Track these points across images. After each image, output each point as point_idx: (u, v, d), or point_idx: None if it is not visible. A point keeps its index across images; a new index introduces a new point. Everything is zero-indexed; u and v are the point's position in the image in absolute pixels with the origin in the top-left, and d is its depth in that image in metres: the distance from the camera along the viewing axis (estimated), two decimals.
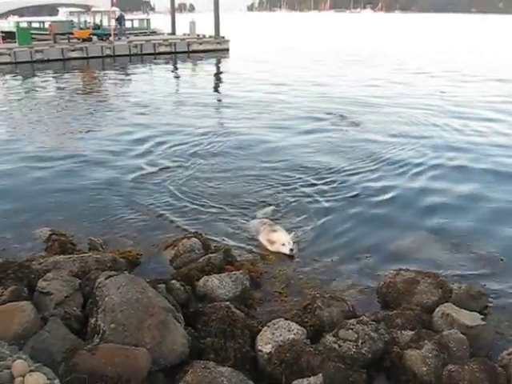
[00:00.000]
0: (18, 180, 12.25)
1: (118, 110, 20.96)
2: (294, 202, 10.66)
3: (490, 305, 6.81)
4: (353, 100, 22.45)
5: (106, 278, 5.72)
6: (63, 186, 11.72)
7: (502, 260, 8.19)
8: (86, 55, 40.69)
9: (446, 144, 15.26)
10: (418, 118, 18.53)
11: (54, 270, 6.95)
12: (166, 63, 41.28)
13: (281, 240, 8.32)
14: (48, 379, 4.13)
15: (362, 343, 5.50)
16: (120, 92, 26.35)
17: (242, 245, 8.64)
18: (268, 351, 5.38)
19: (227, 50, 47.73)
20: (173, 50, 45.20)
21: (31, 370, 4.19)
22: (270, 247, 8.40)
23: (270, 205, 10.41)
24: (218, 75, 34.76)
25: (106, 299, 5.39)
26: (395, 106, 21.05)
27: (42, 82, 30.30)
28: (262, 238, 8.62)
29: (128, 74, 34.69)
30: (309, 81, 28.62)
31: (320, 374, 4.92)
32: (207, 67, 39.08)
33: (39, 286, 6.28)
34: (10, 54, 37.72)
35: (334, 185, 11.69)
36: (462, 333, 5.66)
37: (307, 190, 11.35)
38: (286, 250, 8.20)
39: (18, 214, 10.00)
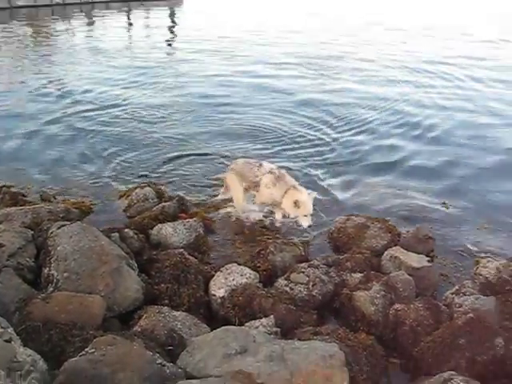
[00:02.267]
0: None
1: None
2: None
3: (436, 248, 7.05)
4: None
5: (59, 228, 5.70)
6: (12, 138, 11.38)
7: (446, 206, 8.46)
8: (34, 3, 38.86)
9: None
10: None
11: (5, 221, 6.87)
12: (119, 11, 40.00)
13: (307, 208, 6.98)
14: (1, 328, 4.13)
15: (312, 285, 5.68)
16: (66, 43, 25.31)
17: (196, 193, 8.63)
18: (221, 295, 5.50)
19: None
20: None
21: None
22: (288, 207, 7.05)
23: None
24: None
25: (59, 248, 5.39)
26: None
27: None
28: (279, 192, 7.09)
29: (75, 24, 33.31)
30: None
31: (271, 316, 5.06)
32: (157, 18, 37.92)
33: None
34: None
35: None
36: (408, 274, 5.88)
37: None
38: (305, 223, 7.05)
39: None
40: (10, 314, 4.75)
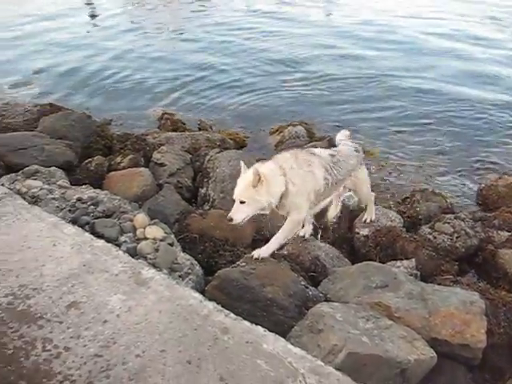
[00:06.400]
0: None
1: None
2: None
3: None
4: None
5: (218, 153, 6.09)
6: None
7: None
8: None
9: None
10: None
11: (167, 144, 7.44)
12: None
13: None
14: (165, 233, 4.60)
15: (456, 237, 5.65)
16: None
17: None
18: (365, 234, 5.65)
19: None
20: None
21: (150, 224, 4.67)
22: None
23: None
24: None
25: (217, 170, 5.80)
26: None
27: None
28: None
29: None
30: None
31: (413, 259, 5.14)
32: None
33: (154, 157, 6.79)
34: None
35: None
36: None
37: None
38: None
39: (134, 94, 10.62)
40: (170, 224, 5.24)
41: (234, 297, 3.92)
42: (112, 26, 16.29)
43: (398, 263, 5.07)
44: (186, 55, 13.19)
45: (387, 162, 8.00)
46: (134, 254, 4.12)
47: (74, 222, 4.49)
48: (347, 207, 6.03)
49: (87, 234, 4.04)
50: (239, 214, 4.13)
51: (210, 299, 3.42)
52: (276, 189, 4.20)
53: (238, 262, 4.36)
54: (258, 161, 4.58)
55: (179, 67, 12.34)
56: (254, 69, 12.05)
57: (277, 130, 8.48)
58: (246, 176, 4.16)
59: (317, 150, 4.76)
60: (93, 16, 18.40)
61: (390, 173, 7.69)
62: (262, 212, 4.33)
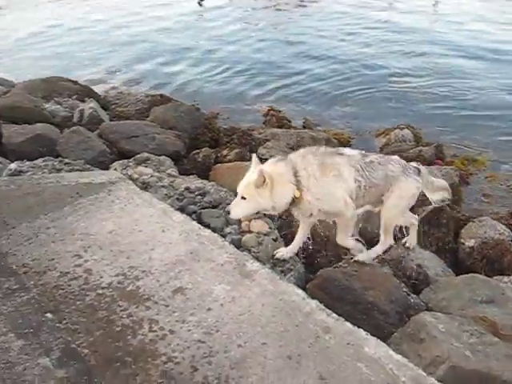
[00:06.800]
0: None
1: None
2: None
3: None
4: None
5: None
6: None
7: None
8: None
9: None
10: None
11: (272, 140, 7.50)
12: None
13: None
14: (269, 228, 4.65)
15: None
16: None
17: (455, 145, 8.43)
18: (471, 245, 5.43)
19: None
20: None
21: (255, 218, 4.73)
22: None
23: None
24: None
25: None
26: None
27: None
28: None
29: None
30: None
31: None
32: None
33: (259, 152, 6.86)
34: None
35: None
36: None
37: None
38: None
39: (241, 88, 10.82)
40: (274, 219, 5.17)
41: (335, 297, 3.90)
42: (218, 19, 16.74)
43: (506, 278, 4.83)
44: (294, 54, 13.21)
45: (498, 172, 7.66)
46: (238, 245, 4.19)
47: (181, 210, 4.63)
48: (453, 217, 5.83)
49: (194, 223, 4.15)
50: (238, 209, 3.86)
51: (311, 297, 3.42)
52: (280, 196, 3.81)
53: (340, 263, 4.33)
54: (272, 156, 4.34)
55: (286, 64, 12.39)
56: (360, 72, 11.85)
57: (383, 133, 8.35)
58: (252, 174, 3.85)
59: (346, 150, 4.22)
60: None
61: (500, 184, 7.36)
62: (267, 213, 4.08)
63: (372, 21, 16.29)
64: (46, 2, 19.61)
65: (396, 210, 4.29)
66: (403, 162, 4.30)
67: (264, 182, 3.69)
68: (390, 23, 16.12)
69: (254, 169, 3.86)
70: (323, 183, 3.86)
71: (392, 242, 4.47)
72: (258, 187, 3.72)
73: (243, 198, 3.81)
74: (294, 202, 3.85)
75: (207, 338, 2.99)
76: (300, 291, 3.40)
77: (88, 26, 16.09)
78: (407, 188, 4.22)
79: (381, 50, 13.41)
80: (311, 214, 4.01)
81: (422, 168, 4.41)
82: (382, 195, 4.23)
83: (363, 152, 4.21)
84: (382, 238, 4.43)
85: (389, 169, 4.15)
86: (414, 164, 4.38)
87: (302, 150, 4.11)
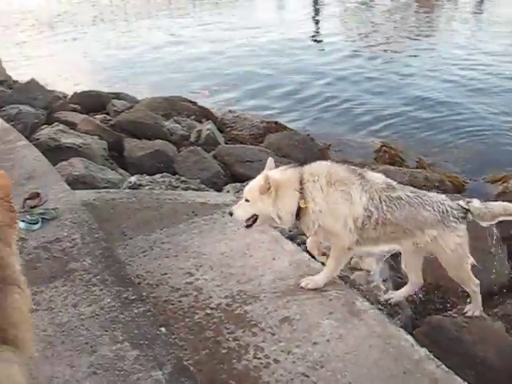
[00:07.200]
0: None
1: None
2: None
3: None
4: None
5: None
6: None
7: None
8: None
9: None
10: None
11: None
12: None
13: None
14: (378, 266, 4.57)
15: None
16: None
17: None
18: None
19: None
20: None
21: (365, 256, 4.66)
22: None
23: None
24: None
25: None
26: None
27: None
28: None
29: None
30: None
31: None
32: None
33: None
34: None
35: None
36: None
37: None
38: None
39: (355, 121, 10.81)
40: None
41: (442, 346, 3.75)
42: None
43: None
44: (409, 87, 13.06)
45: None
46: (345, 281, 4.14)
47: (291, 239, 4.64)
48: None
49: (305, 254, 4.15)
50: (240, 212, 3.65)
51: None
52: (284, 204, 3.53)
53: (450, 312, 4.18)
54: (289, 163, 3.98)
55: (399, 99, 12.26)
56: (477, 109, 11.49)
57: (500, 179, 7.99)
58: (259, 179, 3.61)
59: (370, 173, 3.69)
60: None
61: None
62: (273, 223, 3.75)
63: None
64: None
65: (454, 263, 3.72)
66: (448, 204, 3.61)
67: (269, 188, 3.50)
68: None
69: (263, 173, 3.65)
70: (328, 194, 3.53)
71: (477, 282, 3.81)
72: (262, 193, 3.53)
73: (247, 200, 3.64)
74: (300, 214, 3.58)
75: (311, 373, 2.97)
76: (409, 337, 3.30)
77: (219, 52, 16.88)
78: (446, 241, 3.59)
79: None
80: (315, 233, 3.68)
81: (473, 203, 3.68)
82: (410, 239, 3.63)
83: (395, 183, 3.65)
84: (468, 290, 3.91)
85: (420, 213, 3.54)
86: (462, 203, 3.67)
87: (319, 161, 3.85)
